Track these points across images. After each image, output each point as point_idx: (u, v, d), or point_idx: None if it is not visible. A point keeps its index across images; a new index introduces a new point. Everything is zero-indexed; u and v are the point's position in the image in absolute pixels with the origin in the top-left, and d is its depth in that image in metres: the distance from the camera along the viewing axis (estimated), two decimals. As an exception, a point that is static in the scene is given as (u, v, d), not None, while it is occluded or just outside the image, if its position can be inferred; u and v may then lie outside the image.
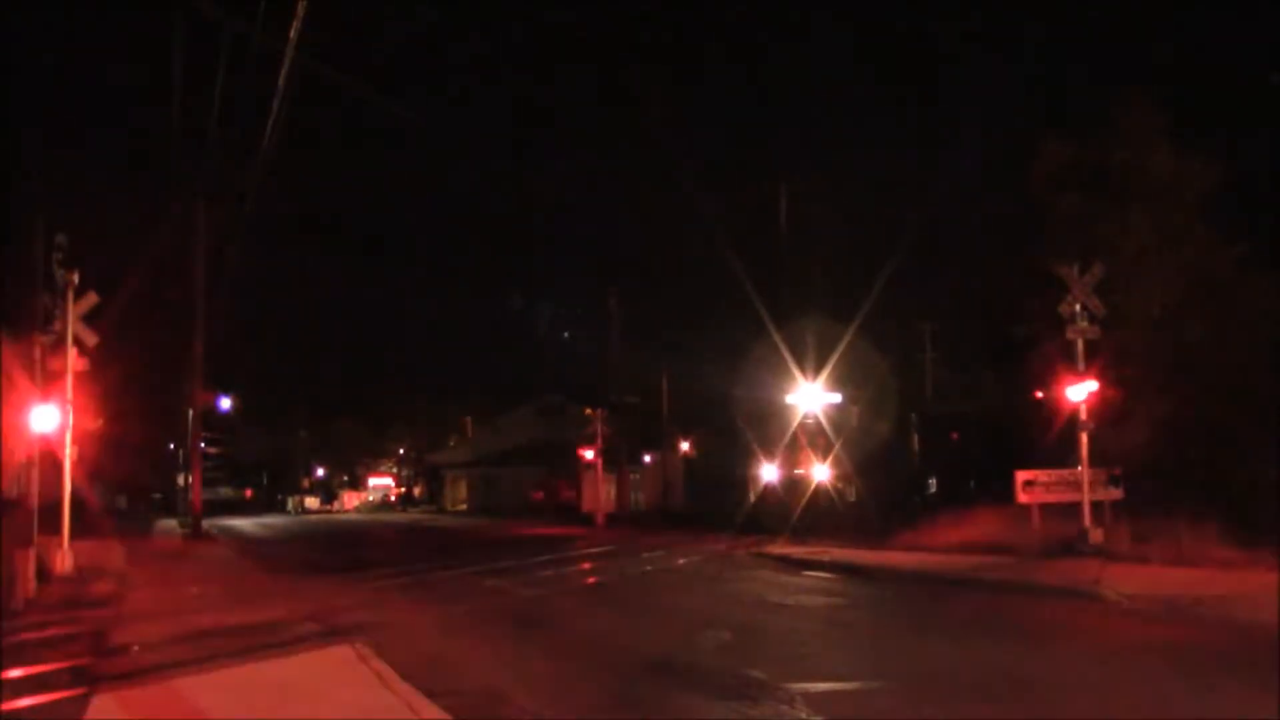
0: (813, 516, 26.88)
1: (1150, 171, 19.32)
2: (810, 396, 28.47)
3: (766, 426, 32.00)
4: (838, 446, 29.40)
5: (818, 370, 28.17)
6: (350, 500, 74.49)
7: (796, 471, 30.71)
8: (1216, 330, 18.38)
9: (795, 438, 29.85)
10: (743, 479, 35.58)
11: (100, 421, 21.19)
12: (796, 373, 28.47)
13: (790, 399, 29.12)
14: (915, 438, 32.30)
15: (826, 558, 18.26)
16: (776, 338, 28.93)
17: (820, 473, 29.07)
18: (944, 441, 31.21)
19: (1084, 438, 16.35)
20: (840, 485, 30.76)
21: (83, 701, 6.88)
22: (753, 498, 33.84)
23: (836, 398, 29.27)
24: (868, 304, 27.10)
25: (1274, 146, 18.94)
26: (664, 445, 42.88)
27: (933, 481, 32.33)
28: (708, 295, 36.88)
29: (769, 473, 32.56)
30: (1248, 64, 21.04)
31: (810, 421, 28.89)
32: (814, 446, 29.13)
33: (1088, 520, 16.14)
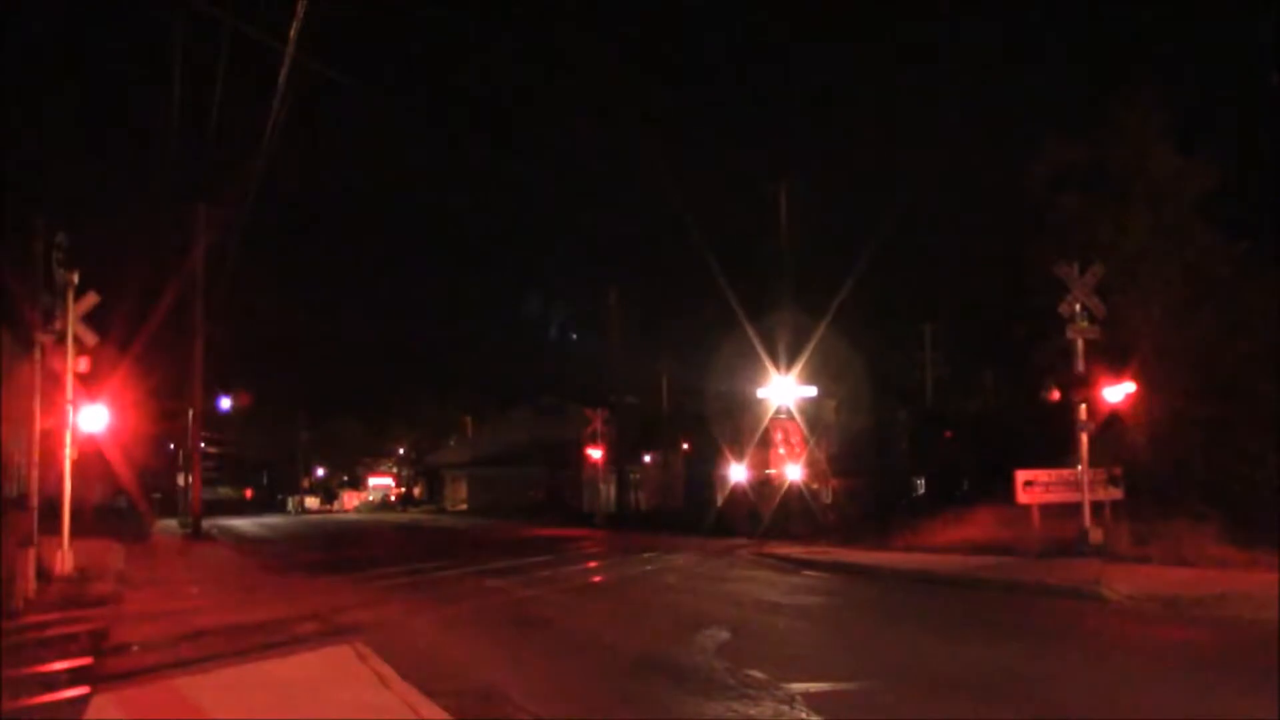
0: (784, 519, 25.95)
1: (1150, 171, 19.32)
2: (783, 390, 27.30)
3: (745, 423, 30.87)
4: (812, 444, 28.33)
5: (791, 363, 27.17)
6: (350, 500, 74.38)
7: (768, 471, 29.42)
8: (1216, 330, 18.38)
9: (767, 434, 28.65)
10: (710, 479, 34.15)
11: (100, 421, 21.14)
12: (769, 365, 27.49)
13: (762, 392, 27.94)
14: (905, 436, 31.30)
15: (825, 558, 18.27)
16: (749, 331, 28.12)
17: (793, 472, 27.84)
18: (937, 440, 30.34)
19: (1084, 438, 16.36)
20: (816, 485, 29.23)
21: (83, 701, 6.88)
22: (720, 499, 32.38)
23: (811, 391, 28.10)
24: (844, 292, 26.45)
25: (1274, 146, 18.95)
26: (664, 445, 42.87)
27: (921, 482, 31.20)
28: (707, 294, 36.71)
29: (738, 472, 31.10)
30: (1248, 63, 21.07)
31: (783, 417, 27.79)
32: (787, 444, 28.05)
33: (1088, 520, 16.13)
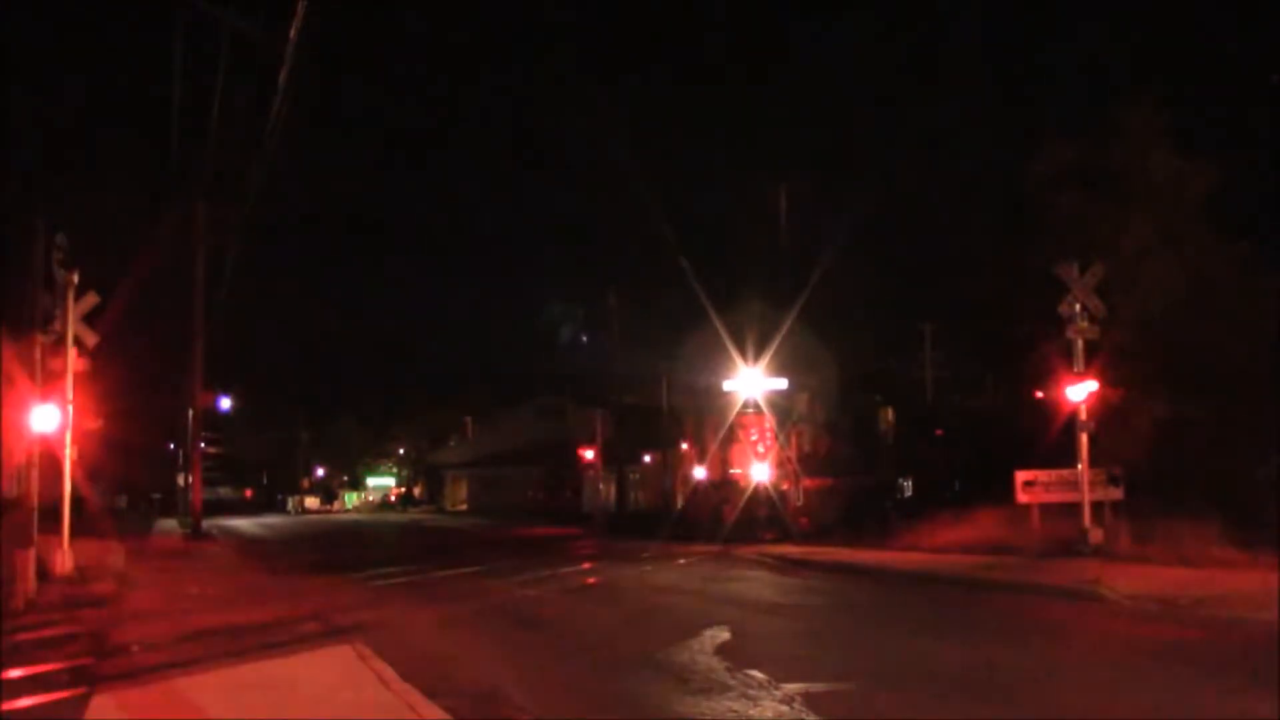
0: (750, 523, 24.68)
1: (1150, 171, 19.32)
2: (750, 382, 25.71)
3: (712, 419, 29.16)
4: (783, 441, 26.69)
5: (760, 354, 25.55)
6: (350, 500, 74.55)
7: (732, 470, 27.74)
8: (1216, 330, 18.37)
9: (732, 430, 26.97)
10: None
11: (100, 421, 21.14)
12: (737, 358, 25.86)
13: (728, 385, 26.39)
14: (891, 434, 29.56)
15: (824, 558, 18.28)
16: (716, 325, 26.60)
17: (760, 471, 26.09)
18: (927, 439, 28.86)
19: (1084, 438, 16.35)
20: (785, 486, 27.23)
21: (83, 701, 6.88)
22: (680, 501, 30.30)
23: (782, 383, 26.44)
24: (814, 280, 25.13)
25: (1274, 146, 18.94)
26: (663, 445, 42.76)
27: (909, 483, 29.26)
28: (705, 293, 36.13)
29: (700, 471, 29.32)
30: (1247, 64, 21.05)
31: (750, 411, 26.23)
32: (754, 441, 26.29)
33: (1087, 520, 16.13)
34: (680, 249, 28.50)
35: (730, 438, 27.65)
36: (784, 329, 25.49)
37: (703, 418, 29.83)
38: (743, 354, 26.09)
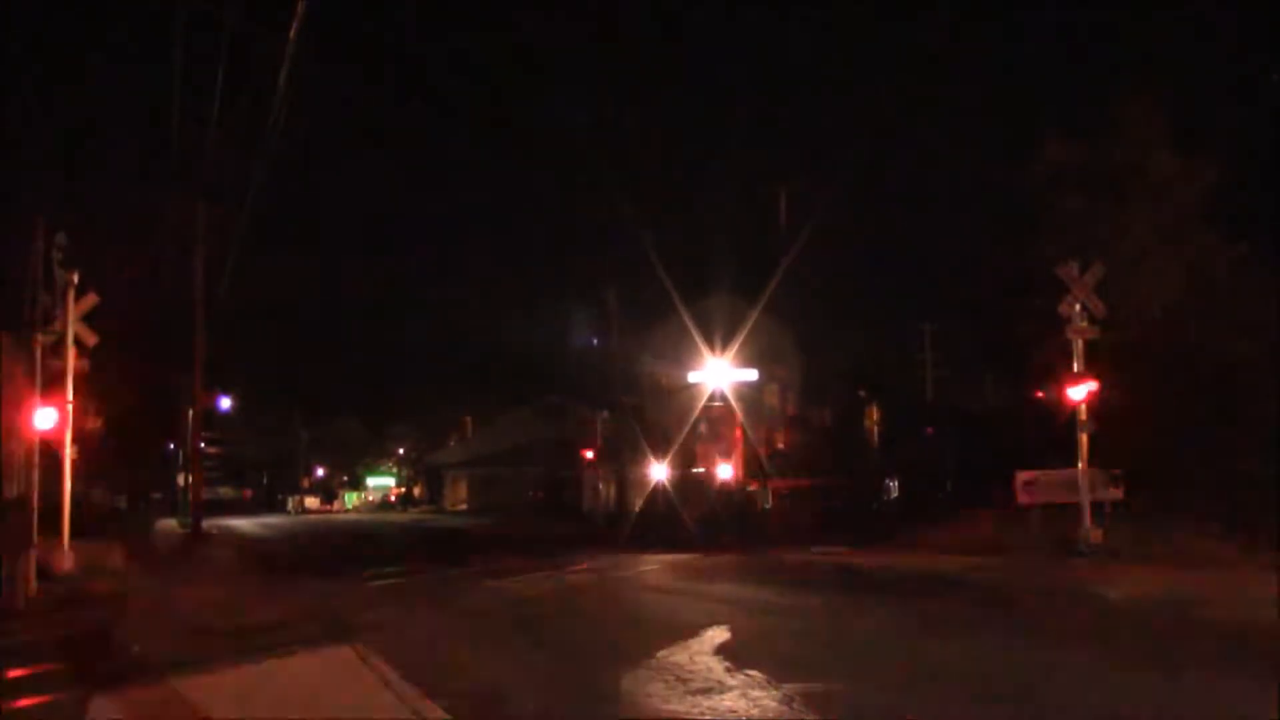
0: (715, 526, 23.02)
1: (1150, 171, 19.34)
2: (717, 373, 23.97)
3: (676, 413, 27.33)
4: (752, 438, 24.91)
5: (728, 343, 23.77)
6: (350, 500, 74.56)
7: (694, 470, 26.04)
8: (1216, 330, 18.38)
9: (695, 426, 25.28)
10: (627, 481, 30.37)
11: (100, 421, 21.15)
12: (703, 347, 24.11)
13: (694, 376, 24.67)
14: (876, 432, 27.78)
15: (823, 559, 18.28)
16: (685, 319, 24.90)
17: (725, 471, 24.48)
18: (916, 438, 27.73)
19: (1084, 438, 16.36)
20: (753, 487, 25.33)
21: (83, 701, 6.88)
22: (639, 503, 28.53)
23: (751, 374, 24.58)
24: (784, 270, 23.76)
25: (1274, 146, 18.95)
26: (656, 445, 42.57)
27: (893, 484, 27.63)
28: (700, 292, 35.54)
29: (659, 470, 27.23)
30: (1248, 63, 21.06)
31: (717, 404, 24.57)
32: (719, 437, 24.72)
33: (1087, 520, 16.14)
34: (665, 243, 27.61)
35: (694, 433, 25.93)
36: (752, 318, 23.97)
37: (670, 413, 27.82)
38: (709, 343, 24.48)
